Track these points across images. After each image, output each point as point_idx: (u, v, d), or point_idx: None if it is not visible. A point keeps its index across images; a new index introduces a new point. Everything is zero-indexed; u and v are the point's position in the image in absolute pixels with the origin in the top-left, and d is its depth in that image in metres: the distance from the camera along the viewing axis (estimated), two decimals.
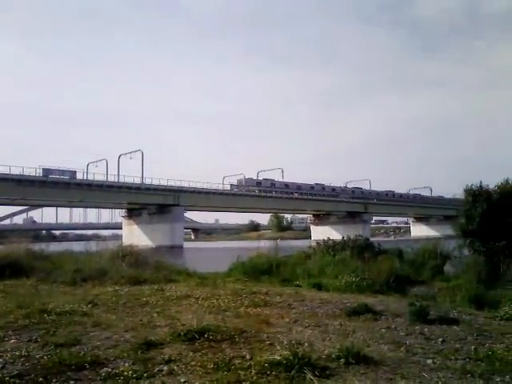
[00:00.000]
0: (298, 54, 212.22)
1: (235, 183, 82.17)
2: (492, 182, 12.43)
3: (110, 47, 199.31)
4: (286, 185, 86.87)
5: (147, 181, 67.93)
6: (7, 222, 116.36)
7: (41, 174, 58.81)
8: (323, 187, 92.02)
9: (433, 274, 11.68)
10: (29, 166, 60.63)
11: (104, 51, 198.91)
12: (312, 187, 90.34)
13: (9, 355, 4.22)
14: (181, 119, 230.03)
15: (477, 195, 12.00)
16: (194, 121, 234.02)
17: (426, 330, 5.38)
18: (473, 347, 4.61)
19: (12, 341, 4.80)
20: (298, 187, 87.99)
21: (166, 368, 3.87)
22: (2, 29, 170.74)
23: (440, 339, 4.94)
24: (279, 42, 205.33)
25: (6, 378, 3.59)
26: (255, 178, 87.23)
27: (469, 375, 3.76)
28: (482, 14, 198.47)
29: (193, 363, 4.00)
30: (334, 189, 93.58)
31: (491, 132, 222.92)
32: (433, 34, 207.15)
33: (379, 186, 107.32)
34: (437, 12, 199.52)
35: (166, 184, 68.95)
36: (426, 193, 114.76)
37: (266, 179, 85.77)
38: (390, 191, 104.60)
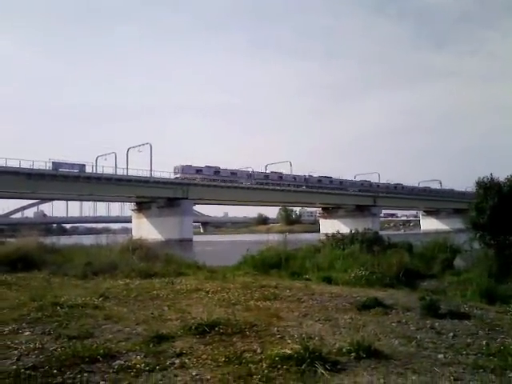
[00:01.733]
0: (304, 47, 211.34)
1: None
2: (504, 173, 12.29)
3: (115, 42, 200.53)
4: (233, 173, 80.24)
5: (156, 174, 68.33)
6: (18, 215, 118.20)
7: (50, 168, 59.36)
8: (280, 176, 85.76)
9: (443, 268, 11.60)
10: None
11: (110, 46, 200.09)
12: (266, 176, 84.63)
13: (23, 347, 4.28)
14: (187, 112, 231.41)
15: (488, 188, 11.85)
16: (200, 114, 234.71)
17: (436, 324, 5.36)
18: (484, 342, 4.58)
19: (26, 333, 4.86)
20: (249, 175, 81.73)
21: (177, 361, 3.90)
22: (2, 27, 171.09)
23: (451, 334, 4.92)
24: (285, 34, 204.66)
25: (22, 370, 3.64)
26: (263, 171, 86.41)
27: (481, 370, 3.74)
28: (495, 1, 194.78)
29: (204, 356, 4.02)
30: (294, 178, 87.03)
31: (501, 122, 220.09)
32: (442, 23, 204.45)
33: (387, 178, 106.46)
34: None
35: (174, 177, 69.19)
36: (435, 186, 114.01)
37: (209, 166, 76.95)
38: (399, 184, 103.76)
